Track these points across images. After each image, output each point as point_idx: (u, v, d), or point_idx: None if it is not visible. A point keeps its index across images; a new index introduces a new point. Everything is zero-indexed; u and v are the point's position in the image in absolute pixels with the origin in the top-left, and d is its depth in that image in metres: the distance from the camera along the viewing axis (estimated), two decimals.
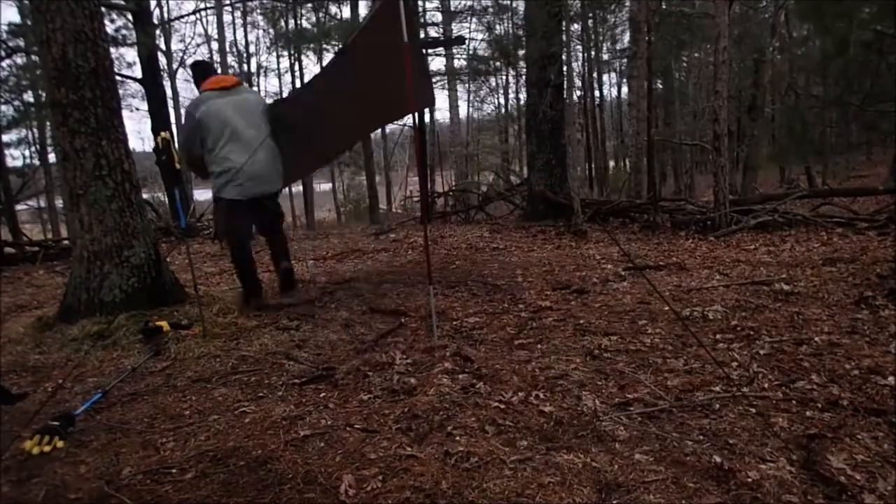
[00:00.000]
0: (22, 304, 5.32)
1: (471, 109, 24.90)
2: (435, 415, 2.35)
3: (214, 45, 22.79)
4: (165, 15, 21.20)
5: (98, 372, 3.17)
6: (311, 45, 21.57)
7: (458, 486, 1.84)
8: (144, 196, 8.22)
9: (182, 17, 27.27)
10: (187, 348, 3.38)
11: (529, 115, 9.76)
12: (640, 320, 3.61)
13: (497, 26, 18.18)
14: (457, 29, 18.06)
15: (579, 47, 19.92)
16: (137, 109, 26.82)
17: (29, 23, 13.02)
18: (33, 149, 19.81)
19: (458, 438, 2.14)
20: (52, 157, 16.30)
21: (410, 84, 3.34)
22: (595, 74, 21.10)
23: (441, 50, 18.07)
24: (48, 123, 14.33)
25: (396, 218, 13.79)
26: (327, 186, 26.48)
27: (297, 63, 23.33)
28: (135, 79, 13.24)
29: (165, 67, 21.05)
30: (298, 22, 21.57)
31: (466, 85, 22.09)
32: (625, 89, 23.11)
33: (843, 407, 2.28)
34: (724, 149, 7.03)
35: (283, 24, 21.97)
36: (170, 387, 2.91)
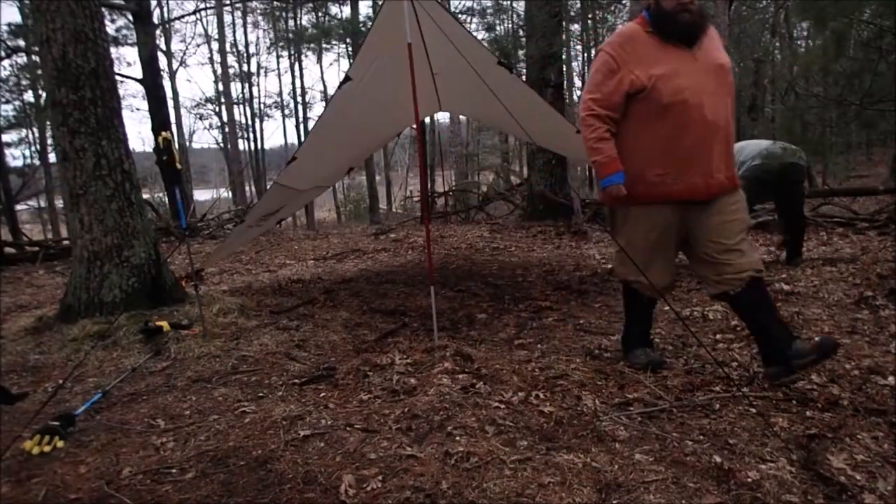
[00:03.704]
0: (22, 304, 5.32)
1: None
2: (435, 415, 2.35)
3: (214, 45, 22.81)
4: (165, 15, 21.22)
5: (98, 372, 3.17)
6: (311, 45, 21.59)
7: (458, 486, 1.84)
8: (144, 196, 8.22)
9: (182, 17, 27.27)
10: (187, 348, 3.38)
11: None
12: None
13: (497, 26, 18.19)
14: None
15: (579, 47, 19.94)
16: (137, 109, 26.91)
17: (29, 23, 13.04)
18: (33, 149, 19.85)
19: (458, 438, 2.14)
20: (52, 157, 16.31)
21: (415, 90, 3.32)
22: None
23: None
24: (48, 123, 14.33)
25: (396, 218, 13.80)
26: None
27: (297, 63, 23.36)
28: (135, 79, 13.23)
29: (165, 67, 21.07)
30: (298, 22, 21.58)
31: None
32: None
33: (843, 407, 2.28)
34: None
35: (283, 23, 21.99)
36: (170, 387, 2.91)
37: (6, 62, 15.79)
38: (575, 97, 18.97)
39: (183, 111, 24.39)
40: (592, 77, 2.55)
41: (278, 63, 34.49)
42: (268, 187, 5.20)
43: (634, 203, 2.53)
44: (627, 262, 2.60)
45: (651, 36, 2.44)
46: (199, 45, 51.34)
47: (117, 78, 6.88)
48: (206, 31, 32.40)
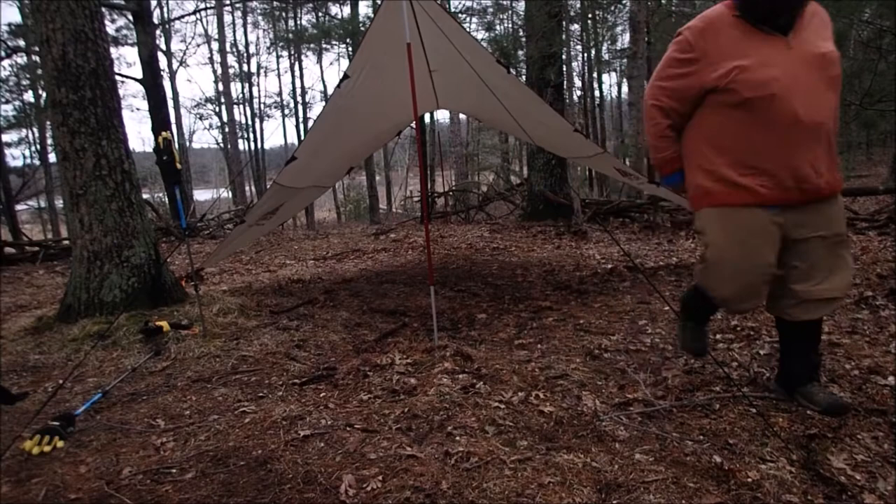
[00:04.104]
0: (22, 304, 5.32)
1: None
2: (435, 415, 2.35)
3: (215, 45, 22.82)
4: (165, 15, 21.23)
5: (98, 372, 3.17)
6: (311, 46, 21.59)
7: (458, 486, 1.84)
8: (144, 196, 8.23)
9: (182, 17, 27.31)
10: (187, 348, 3.38)
11: None
12: (640, 320, 3.61)
13: (497, 26, 18.17)
14: None
15: (579, 47, 19.94)
16: (138, 109, 26.92)
17: (29, 23, 13.05)
18: (33, 149, 19.85)
19: (458, 438, 2.14)
20: (52, 157, 16.32)
21: (414, 90, 3.32)
22: (595, 74, 21.11)
23: None
24: (48, 123, 14.33)
25: (396, 218, 13.80)
26: None
27: (297, 63, 23.37)
28: (135, 79, 13.23)
29: (165, 67, 21.08)
30: (298, 22, 21.59)
31: None
32: (625, 89, 23.09)
33: None
34: None
35: (283, 24, 22.00)
36: (170, 387, 2.92)
37: (6, 62, 15.83)
38: (575, 97, 18.96)
39: (183, 111, 24.41)
40: (665, 62, 2.23)
41: (278, 63, 34.58)
42: (268, 187, 5.22)
43: (717, 204, 2.18)
44: (710, 268, 2.25)
45: (738, 20, 2.09)
46: (199, 45, 51.50)
47: (117, 78, 6.88)
48: (206, 31, 32.49)
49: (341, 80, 4.11)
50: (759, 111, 2.03)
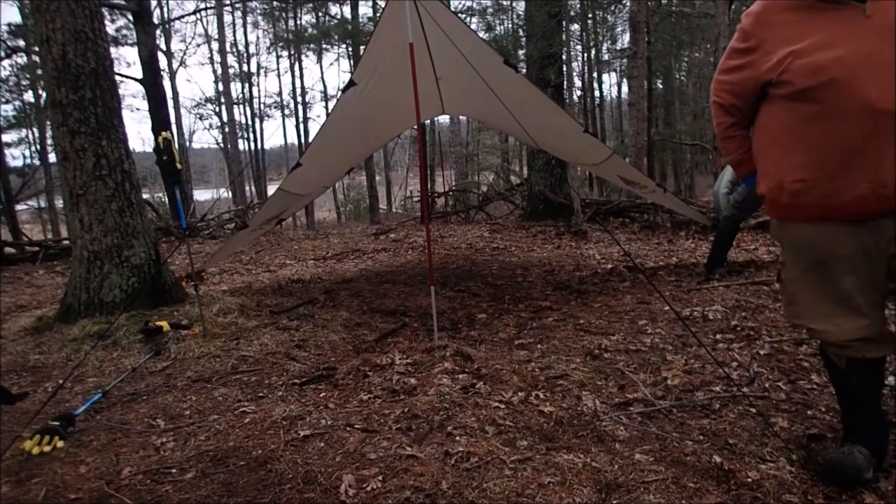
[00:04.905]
0: (22, 304, 5.32)
1: None
2: (435, 415, 2.35)
3: (215, 45, 22.82)
4: (165, 15, 21.23)
5: (98, 372, 3.17)
6: (311, 46, 21.60)
7: (458, 486, 1.84)
8: (144, 196, 8.24)
9: (182, 17, 27.31)
10: (187, 348, 3.38)
11: None
12: (640, 320, 3.61)
13: (497, 26, 18.17)
14: None
15: (579, 47, 19.96)
16: (137, 109, 26.88)
17: (29, 23, 13.05)
18: (33, 149, 19.84)
19: (458, 438, 2.14)
20: (52, 157, 16.32)
21: (416, 89, 3.31)
22: (595, 74, 21.11)
23: None
24: (48, 123, 14.33)
25: (396, 218, 13.81)
26: None
27: (297, 63, 23.37)
28: (135, 79, 13.22)
29: (165, 67, 21.07)
30: (298, 22, 21.59)
31: None
32: (625, 89, 23.09)
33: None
34: None
35: (283, 24, 22.01)
36: (170, 387, 2.92)
37: (6, 62, 15.82)
38: (575, 97, 18.97)
39: (183, 111, 24.38)
40: (726, 53, 1.97)
41: (278, 63, 34.53)
42: (268, 189, 5.24)
43: (781, 217, 1.86)
44: (793, 301, 1.88)
45: None
46: (199, 45, 51.48)
47: (117, 78, 6.88)
48: (206, 31, 32.44)
49: (347, 87, 4.10)
50: (823, 101, 1.67)
